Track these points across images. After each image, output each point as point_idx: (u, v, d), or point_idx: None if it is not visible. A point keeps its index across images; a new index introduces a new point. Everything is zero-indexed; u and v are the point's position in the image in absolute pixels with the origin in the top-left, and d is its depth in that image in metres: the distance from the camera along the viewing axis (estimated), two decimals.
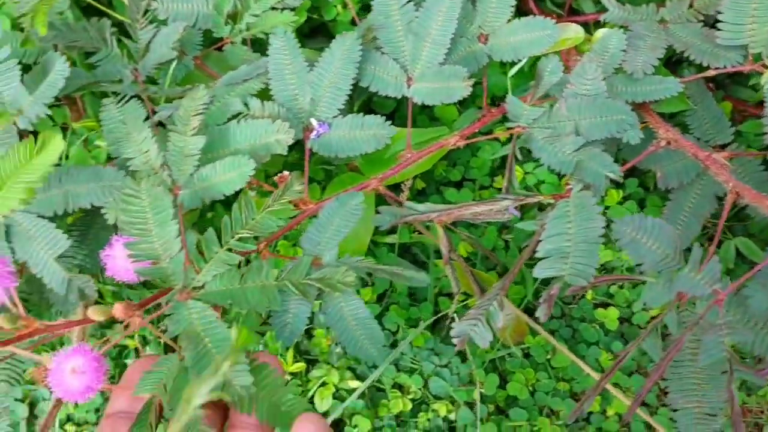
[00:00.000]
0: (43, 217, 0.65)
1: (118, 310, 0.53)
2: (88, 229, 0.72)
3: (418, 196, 0.89)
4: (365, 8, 0.84)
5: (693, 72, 0.76)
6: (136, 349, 0.88)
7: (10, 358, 0.66)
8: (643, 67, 0.70)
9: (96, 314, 0.54)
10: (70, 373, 0.51)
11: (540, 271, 0.60)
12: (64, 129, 0.89)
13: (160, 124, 0.75)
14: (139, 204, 0.58)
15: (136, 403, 0.53)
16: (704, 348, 0.56)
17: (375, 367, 0.83)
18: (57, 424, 0.87)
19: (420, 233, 0.86)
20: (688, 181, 0.75)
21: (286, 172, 0.66)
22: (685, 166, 0.75)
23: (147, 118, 0.73)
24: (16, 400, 0.87)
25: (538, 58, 0.77)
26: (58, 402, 0.61)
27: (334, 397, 0.81)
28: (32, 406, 0.89)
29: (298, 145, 0.72)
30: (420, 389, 0.83)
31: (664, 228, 0.56)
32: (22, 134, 0.71)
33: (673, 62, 0.88)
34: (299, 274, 0.59)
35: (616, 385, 0.81)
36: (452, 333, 0.58)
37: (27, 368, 0.74)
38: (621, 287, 0.84)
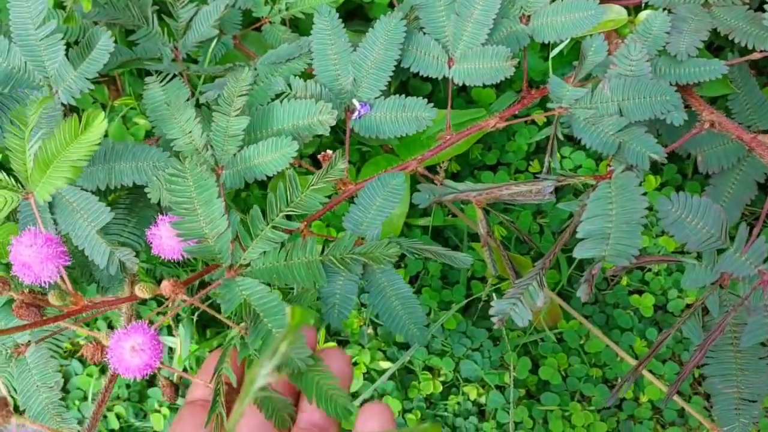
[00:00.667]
0: (86, 190, 0.66)
1: (166, 287, 0.54)
2: (132, 206, 0.73)
3: (453, 179, 0.88)
4: None
5: (736, 57, 0.75)
6: (169, 326, 0.89)
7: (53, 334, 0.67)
8: (687, 49, 0.70)
9: (143, 292, 0.55)
10: (130, 350, 0.52)
11: (580, 251, 0.59)
12: (104, 106, 0.90)
13: (199, 104, 0.76)
14: (184, 183, 0.58)
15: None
16: (749, 329, 0.56)
17: (406, 348, 0.83)
18: (90, 399, 0.88)
19: (454, 216, 0.86)
20: (728, 166, 0.74)
21: (329, 151, 0.66)
22: (726, 150, 0.75)
23: (190, 98, 0.74)
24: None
25: (578, 41, 0.76)
26: (113, 377, 0.62)
27: (365, 378, 0.82)
28: (65, 381, 0.90)
29: (333, 126, 0.72)
30: (451, 372, 0.83)
31: (710, 207, 0.56)
32: (65, 109, 0.72)
33: (715, 48, 0.87)
34: (343, 250, 0.59)
35: (649, 371, 0.80)
36: (491, 311, 0.58)
37: (63, 343, 0.75)
38: (657, 274, 0.84)
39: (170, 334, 0.90)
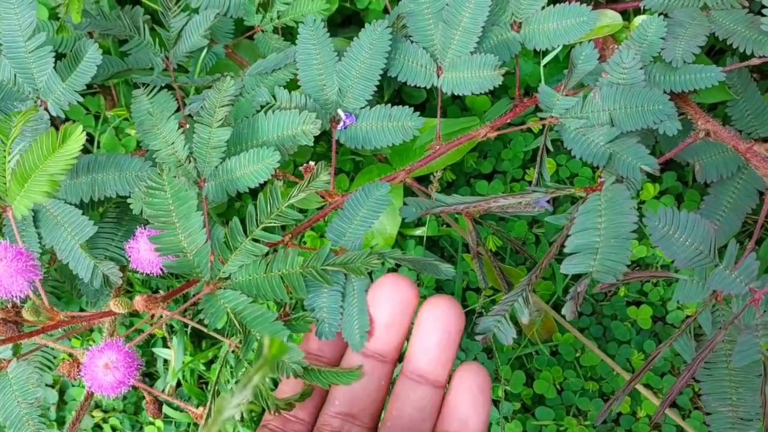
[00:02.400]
0: (70, 203, 0.66)
1: (138, 303, 0.54)
2: (120, 219, 0.73)
3: (448, 188, 0.87)
4: None
5: (736, 61, 0.73)
6: (164, 338, 0.88)
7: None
8: (683, 55, 0.68)
9: (118, 307, 0.54)
10: (104, 368, 0.51)
11: (567, 267, 0.58)
12: (97, 117, 0.90)
13: (191, 115, 0.75)
14: (162, 196, 0.57)
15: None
16: (739, 349, 0.54)
17: (401, 362, 0.82)
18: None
19: (448, 226, 0.85)
20: (728, 175, 0.72)
21: (312, 163, 0.65)
22: (725, 159, 0.72)
23: (177, 110, 0.73)
24: (46, 385, 0.89)
25: (573, 46, 0.74)
26: (90, 395, 0.62)
27: None
28: (62, 392, 0.90)
29: (326, 136, 0.71)
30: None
31: (699, 223, 0.54)
32: (55, 121, 0.72)
33: (715, 52, 0.85)
34: (322, 261, 0.58)
35: (647, 386, 0.78)
36: (476, 329, 0.56)
37: (58, 355, 0.75)
38: (655, 284, 0.81)
39: (165, 345, 0.90)
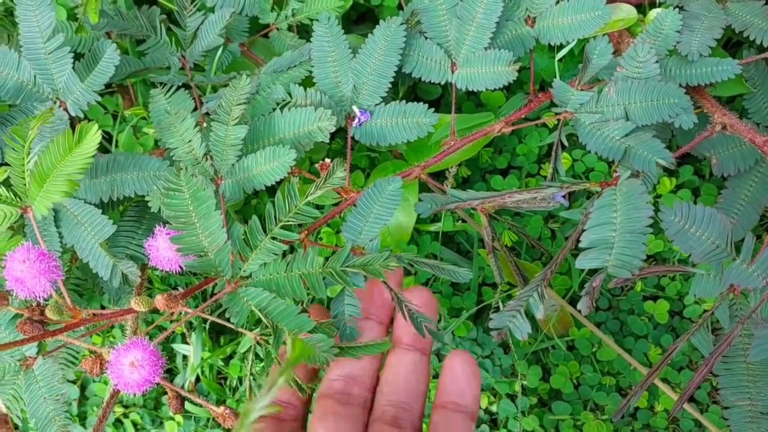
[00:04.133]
0: (89, 203, 0.67)
1: (159, 302, 0.54)
2: (140, 218, 0.74)
3: (463, 184, 0.87)
4: None
5: (753, 54, 0.72)
6: (183, 335, 0.89)
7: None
8: (699, 48, 0.67)
9: (139, 305, 0.55)
10: (130, 366, 0.52)
11: (582, 262, 0.58)
12: (115, 116, 0.91)
13: (209, 113, 0.76)
14: (181, 197, 0.58)
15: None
16: (756, 343, 0.54)
17: None
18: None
19: (464, 221, 0.85)
20: (745, 168, 0.72)
21: (327, 160, 0.66)
22: (742, 152, 0.72)
23: (195, 109, 0.74)
24: (68, 381, 0.90)
25: (588, 40, 0.74)
26: (116, 393, 0.62)
27: None
28: (83, 387, 0.91)
29: (342, 133, 0.72)
30: None
31: (715, 217, 0.54)
32: (74, 122, 0.73)
33: (732, 45, 0.84)
34: (340, 262, 0.59)
35: (665, 380, 0.78)
36: (491, 324, 0.57)
37: (81, 352, 0.77)
38: (672, 279, 0.81)
39: (184, 342, 0.91)
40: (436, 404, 0.55)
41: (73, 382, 0.91)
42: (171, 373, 0.92)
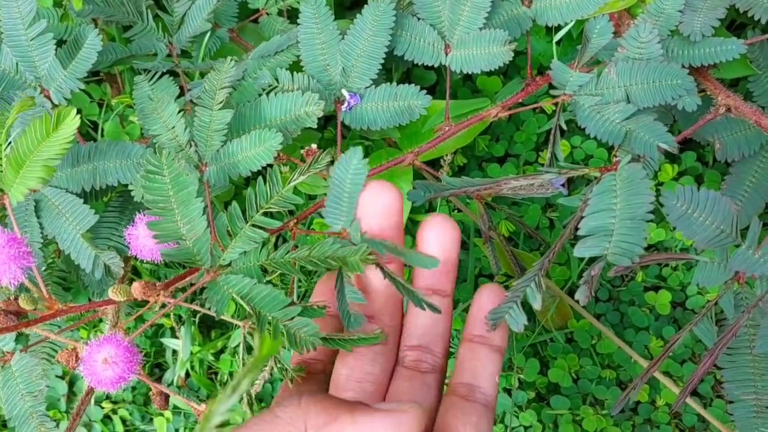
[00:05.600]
0: (71, 192, 0.65)
1: (136, 290, 0.52)
2: (123, 208, 0.71)
3: (460, 172, 0.85)
4: None
5: (758, 34, 0.70)
6: (172, 329, 0.87)
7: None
8: (702, 28, 0.65)
9: (117, 295, 0.53)
10: (103, 363, 0.50)
11: (581, 250, 0.55)
12: (101, 105, 0.89)
13: (193, 101, 0.74)
14: (161, 181, 0.55)
15: None
16: (762, 334, 0.51)
17: None
18: (93, 401, 0.87)
19: (460, 211, 0.83)
20: (750, 153, 0.69)
21: (314, 146, 0.64)
22: (746, 136, 0.69)
23: (181, 95, 0.71)
24: (56, 377, 0.88)
25: (587, 21, 0.72)
26: (90, 390, 0.60)
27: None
28: (72, 383, 0.89)
29: (334, 121, 0.69)
30: None
31: (719, 201, 0.51)
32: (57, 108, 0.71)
33: (736, 26, 0.81)
34: (323, 252, 0.56)
35: (666, 373, 0.76)
36: (486, 317, 0.54)
37: (65, 346, 0.74)
38: (674, 269, 0.79)
39: (174, 336, 0.89)
40: (464, 338, 0.54)
41: (61, 378, 0.89)
42: (161, 368, 0.90)
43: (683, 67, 0.63)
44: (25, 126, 0.66)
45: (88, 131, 0.88)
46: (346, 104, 0.66)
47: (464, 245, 0.83)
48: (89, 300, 0.87)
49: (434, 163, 0.83)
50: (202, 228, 0.56)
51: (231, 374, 0.86)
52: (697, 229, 0.52)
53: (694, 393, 0.77)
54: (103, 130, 0.86)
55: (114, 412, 0.89)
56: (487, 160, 0.85)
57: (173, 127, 0.65)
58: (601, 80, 0.63)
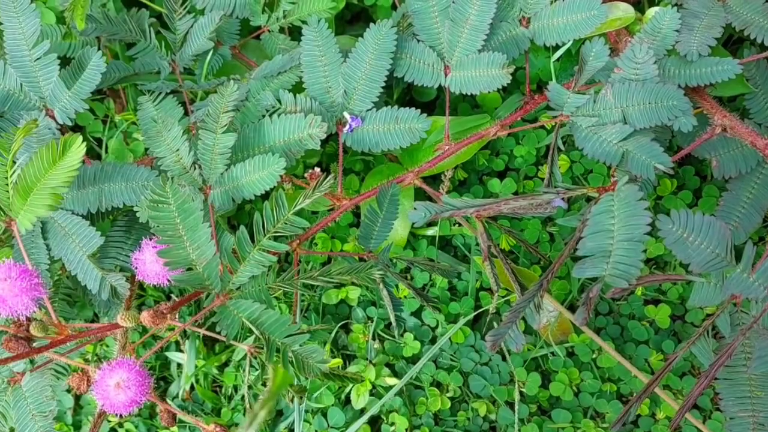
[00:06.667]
0: (77, 214, 0.65)
1: (145, 319, 0.53)
2: (129, 228, 0.72)
3: (460, 186, 0.86)
4: None
5: (754, 53, 0.71)
6: (177, 342, 0.88)
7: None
8: (699, 48, 0.66)
9: (125, 321, 0.54)
10: (115, 387, 0.51)
11: (579, 271, 0.56)
12: (105, 122, 0.90)
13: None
14: (167, 209, 0.57)
15: None
16: (758, 355, 0.52)
17: (414, 363, 0.81)
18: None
19: (460, 225, 0.83)
20: (746, 170, 0.70)
21: (317, 169, 0.65)
22: (743, 154, 0.70)
23: (185, 116, 0.72)
24: (63, 391, 0.89)
25: (584, 40, 0.73)
26: (101, 414, 0.61)
27: (371, 395, 0.80)
28: (78, 397, 0.90)
29: (335, 137, 0.70)
30: (459, 387, 0.80)
31: (714, 224, 0.52)
32: (63, 130, 0.72)
33: (732, 42, 0.82)
34: (326, 275, 0.58)
35: (666, 387, 0.77)
36: (486, 338, 0.55)
37: (75, 360, 0.75)
38: (674, 283, 0.79)
39: (178, 349, 0.90)
40: None
41: (68, 391, 0.90)
42: (165, 381, 0.91)
43: (679, 86, 0.64)
44: (29, 149, 0.68)
45: (92, 147, 0.89)
46: (347, 126, 0.67)
47: (465, 258, 0.84)
48: (94, 314, 0.88)
49: (435, 178, 0.84)
50: (211, 253, 0.57)
51: (235, 388, 0.87)
52: (693, 252, 0.53)
53: (694, 406, 0.78)
54: (107, 146, 0.87)
55: (120, 425, 0.90)
56: (488, 174, 0.86)
57: (177, 150, 0.66)
58: (598, 101, 0.64)
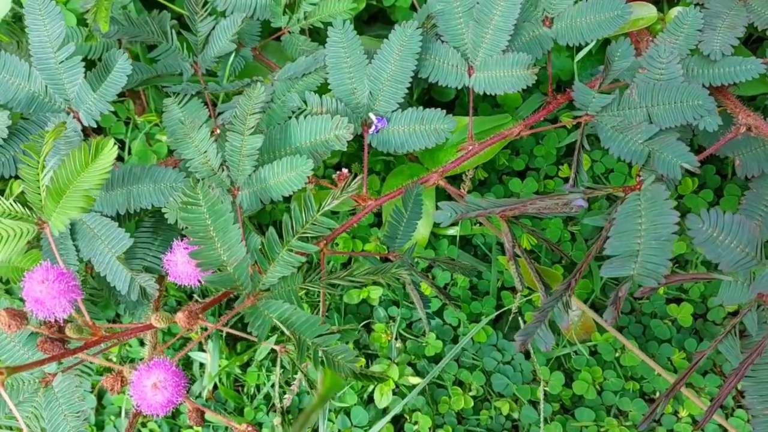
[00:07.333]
0: (106, 216, 0.66)
1: (180, 319, 0.54)
2: (156, 229, 0.73)
3: (480, 186, 0.86)
4: None
5: None
6: (200, 342, 0.89)
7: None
8: (721, 47, 0.66)
9: (159, 322, 0.54)
10: (152, 388, 0.51)
11: (608, 271, 0.57)
12: (127, 123, 0.90)
13: (224, 123, 0.75)
14: (198, 211, 0.57)
15: None
16: None
17: (436, 362, 0.81)
18: (123, 414, 0.89)
19: (481, 224, 0.84)
20: None
21: (345, 171, 0.65)
22: (766, 153, 0.70)
23: (209, 117, 0.73)
24: (85, 391, 0.90)
25: (606, 39, 0.73)
26: (138, 413, 0.62)
27: (394, 394, 0.80)
28: (100, 396, 0.91)
29: (357, 138, 0.71)
30: (482, 386, 0.81)
31: (744, 224, 0.53)
32: (87, 132, 0.73)
33: (753, 41, 0.82)
34: (353, 275, 0.58)
35: (689, 385, 0.77)
36: (515, 337, 0.56)
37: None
38: (696, 281, 0.80)
39: (201, 349, 0.91)
40: None
41: (90, 391, 0.91)
42: (188, 381, 0.91)
43: (703, 86, 0.65)
44: (57, 152, 0.68)
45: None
46: (373, 127, 0.67)
47: (486, 257, 0.84)
48: (117, 314, 0.88)
49: (456, 177, 0.84)
50: (242, 254, 0.58)
51: (258, 387, 0.88)
52: (723, 251, 0.53)
53: None
54: (130, 148, 0.87)
55: (143, 425, 0.90)
56: (508, 173, 0.86)
57: (205, 152, 0.66)
58: (623, 101, 0.65)
